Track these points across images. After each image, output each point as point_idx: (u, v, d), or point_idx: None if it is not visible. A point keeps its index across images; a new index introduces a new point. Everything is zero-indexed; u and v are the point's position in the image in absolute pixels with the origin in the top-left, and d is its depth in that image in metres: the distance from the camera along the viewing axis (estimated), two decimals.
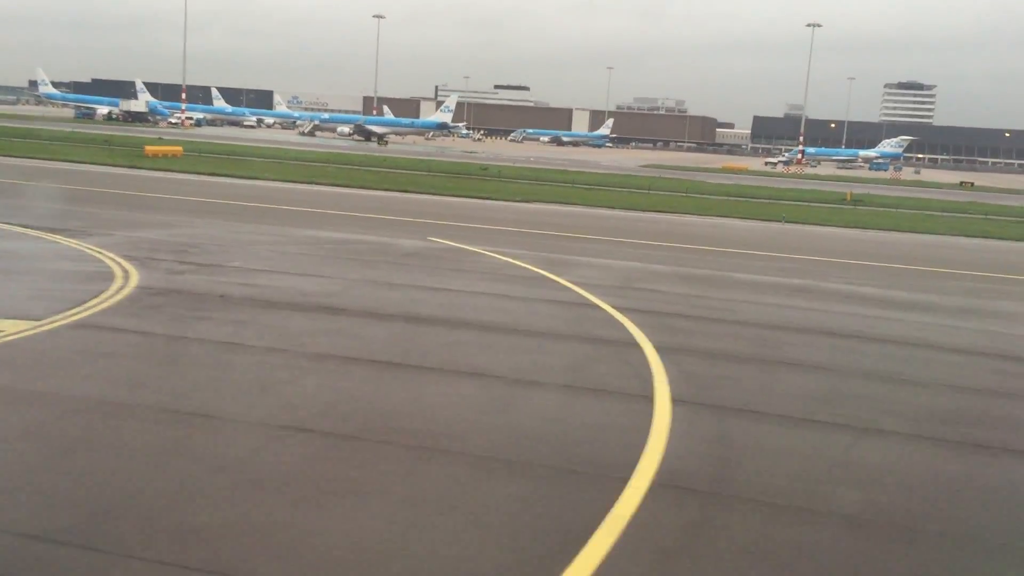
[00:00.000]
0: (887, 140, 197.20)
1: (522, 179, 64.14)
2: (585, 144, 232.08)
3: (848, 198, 64.41)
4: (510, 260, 23.72)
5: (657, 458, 9.64)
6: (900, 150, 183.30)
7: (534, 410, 11.25)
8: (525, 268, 22.60)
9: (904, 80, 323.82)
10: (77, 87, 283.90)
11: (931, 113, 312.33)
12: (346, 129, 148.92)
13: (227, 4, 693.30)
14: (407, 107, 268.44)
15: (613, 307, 18.09)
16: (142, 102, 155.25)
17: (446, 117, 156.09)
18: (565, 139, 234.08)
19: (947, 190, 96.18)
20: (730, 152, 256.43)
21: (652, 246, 29.78)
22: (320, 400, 10.90)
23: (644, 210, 45.46)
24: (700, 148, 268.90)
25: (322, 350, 13.23)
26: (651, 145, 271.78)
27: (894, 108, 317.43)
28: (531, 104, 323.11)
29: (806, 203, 59.48)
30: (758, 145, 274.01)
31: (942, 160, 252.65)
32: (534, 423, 10.68)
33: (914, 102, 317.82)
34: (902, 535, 8.20)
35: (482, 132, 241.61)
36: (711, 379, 13.23)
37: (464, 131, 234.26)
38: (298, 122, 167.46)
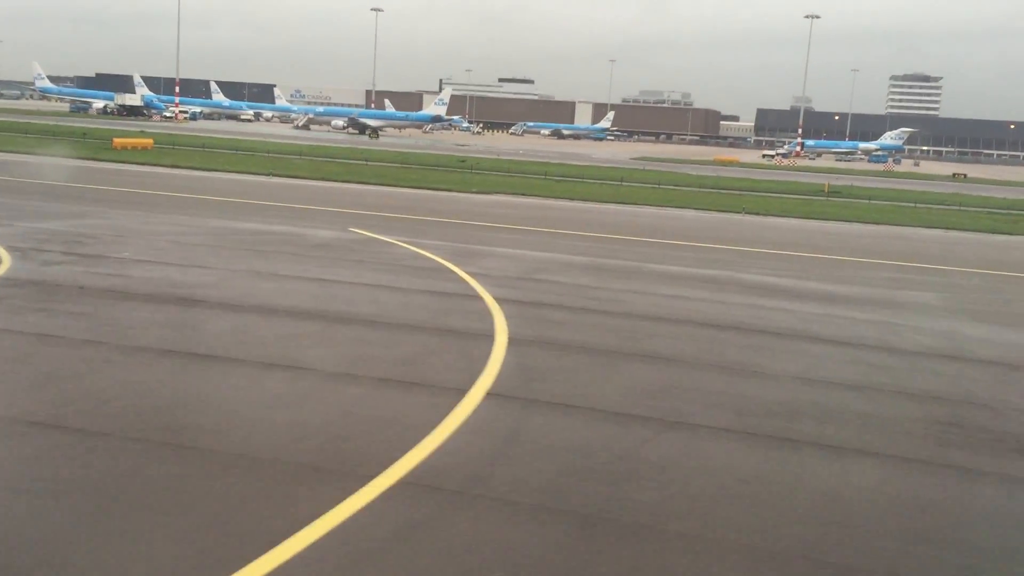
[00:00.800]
0: (889, 132, 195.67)
1: (496, 171, 63.70)
2: (586, 137, 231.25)
3: (825, 190, 63.74)
4: (421, 251, 23.28)
5: (422, 455, 9.21)
6: (900, 142, 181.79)
7: (328, 405, 10.82)
8: (431, 259, 22.15)
9: (911, 72, 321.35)
10: (81, 82, 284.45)
11: (937, 105, 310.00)
12: (340, 122, 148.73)
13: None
14: (410, 100, 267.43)
15: (495, 298, 17.67)
16: (138, 96, 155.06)
17: (440, 110, 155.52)
18: (566, 132, 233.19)
19: (937, 182, 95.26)
20: (732, 145, 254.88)
21: (586, 237, 29.27)
22: (99, 395, 10.49)
23: (605, 202, 44.95)
24: (703, 141, 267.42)
25: (144, 343, 12.82)
26: (654, 138, 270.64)
27: (900, 100, 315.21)
28: (535, 97, 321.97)
29: (781, 195, 58.82)
30: (761, 138, 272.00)
31: (947, 152, 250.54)
32: (316, 418, 10.25)
33: (920, 94, 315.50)
34: (630, 535, 7.74)
35: (481, 125, 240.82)
36: (545, 372, 12.76)
37: (465, 124, 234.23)
38: (292, 115, 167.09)
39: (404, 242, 24.65)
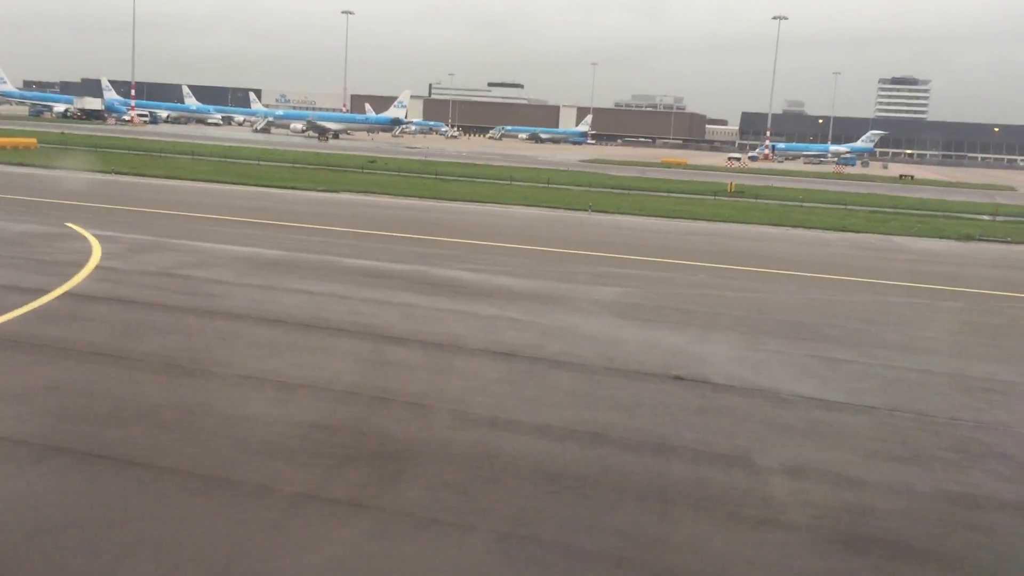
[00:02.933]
0: (867, 135, 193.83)
1: (395, 172, 62.39)
2: (565, 141, 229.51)
3: (730, 189, 62.28)
4: (99, 245, 21.98)
5: None
6: (871, 144, 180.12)
7: None
8: (92, 254, 20.80)
9: (898, 75, 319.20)
10: (65, 87, 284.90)
11: (925, 108, 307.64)
12: (299, 126, 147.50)
13: (227, 6, 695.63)
14: (390, 105, 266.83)
15: (69, 293, 16.40)
16: (98, 100, 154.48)
17: (400, 112, 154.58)
18: (543, 136, 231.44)
19: (876, 183, 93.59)
20: (714, 148, 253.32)
21: (332, 232, 28.08)
22: None
23: (453, 200, 43.51)
24: (686, 145, 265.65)
25: None
26: (636, 142, 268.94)
27: (888, 103, 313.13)
28: (521, 101, 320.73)
29: (677, 194, 57.38)
30: (746, 141, 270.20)
31: (931, 156, 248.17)
32: None
33: (908, 97, 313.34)
34: None
35: (458, 129, 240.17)
36: None
37: (444, 128, 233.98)
38: (251, 119, 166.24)
39: (102, 236, 23.32)
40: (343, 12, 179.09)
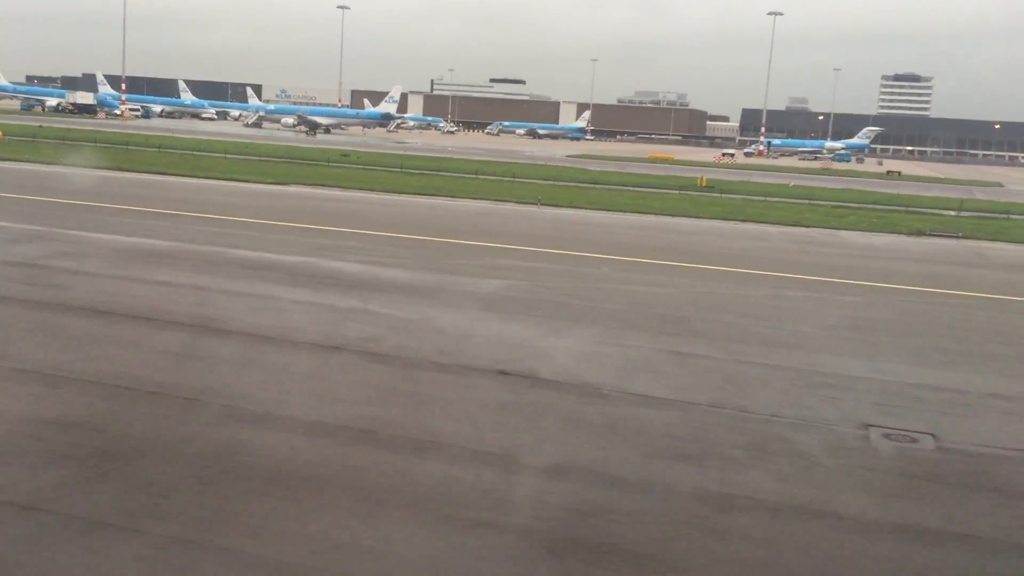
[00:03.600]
0: (863, 131, 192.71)
1: (363, 165, 61.90)
2: (563, 137, 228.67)
3: (702, 184, 61.61)
4: None
5: None
6: (867, 141, 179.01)
7: None
8: None
9: (902, 72, 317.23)
10: (66, 82, 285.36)
11: (928, 105, 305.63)
12: (290, 120, 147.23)
13: (232, 1, 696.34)
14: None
15: None
16: (90, 94, 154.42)
17: (391, 107, 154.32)
18: (541, 132, 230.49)
19: (864, 178, 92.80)
20: (714, 145, 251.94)
21: (247, 224, 27.46)
22: None
23: (402, 193, 42.95)
24: (685, 141, 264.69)
25: None
26: (634, 138, 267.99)
27: (891, 100, 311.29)
28: (522, 97, 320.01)
29: (643, 188, 56.82)
30: (746, 137, 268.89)
31: (932, 152, 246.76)
32: None
33: (911, 94, 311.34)
34: None
35: (455, 124, 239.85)
36: None
37: (442, 123, 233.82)
38: (245, 114, 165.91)
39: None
40: (339, 7, 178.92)
